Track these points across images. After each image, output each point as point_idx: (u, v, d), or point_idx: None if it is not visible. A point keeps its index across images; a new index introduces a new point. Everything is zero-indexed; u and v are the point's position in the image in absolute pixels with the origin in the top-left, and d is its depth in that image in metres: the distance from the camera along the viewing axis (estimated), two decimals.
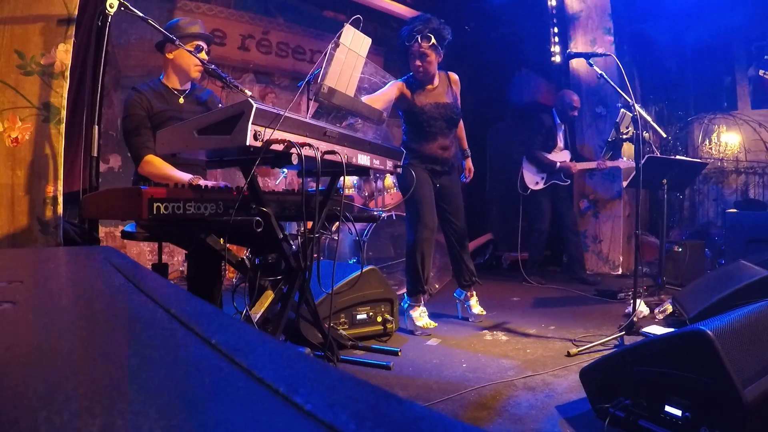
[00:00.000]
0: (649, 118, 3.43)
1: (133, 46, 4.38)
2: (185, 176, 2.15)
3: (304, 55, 5.45)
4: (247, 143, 1.48)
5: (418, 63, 2.86)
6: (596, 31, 5.18)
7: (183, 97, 2.40)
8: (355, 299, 2.61)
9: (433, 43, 2.82)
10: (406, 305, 2.98)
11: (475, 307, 3.15)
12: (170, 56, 2.36)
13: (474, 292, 3.19)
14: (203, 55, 2.36)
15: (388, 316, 2.74)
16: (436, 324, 2.92)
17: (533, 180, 4.54)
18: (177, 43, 2.17)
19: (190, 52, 2.21)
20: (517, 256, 4.79)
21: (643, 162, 2.82)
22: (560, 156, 4.49)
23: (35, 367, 0.42)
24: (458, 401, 1.87)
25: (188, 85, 2.45)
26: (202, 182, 2.05)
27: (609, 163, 4.43)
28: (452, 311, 3.27)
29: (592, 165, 4.51)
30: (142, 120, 2.24)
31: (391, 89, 2.91)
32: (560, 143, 4.53)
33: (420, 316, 2.90)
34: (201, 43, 2.37)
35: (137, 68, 4.35)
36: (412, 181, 2.81)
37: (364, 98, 2.84)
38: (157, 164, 2.19)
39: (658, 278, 3.65)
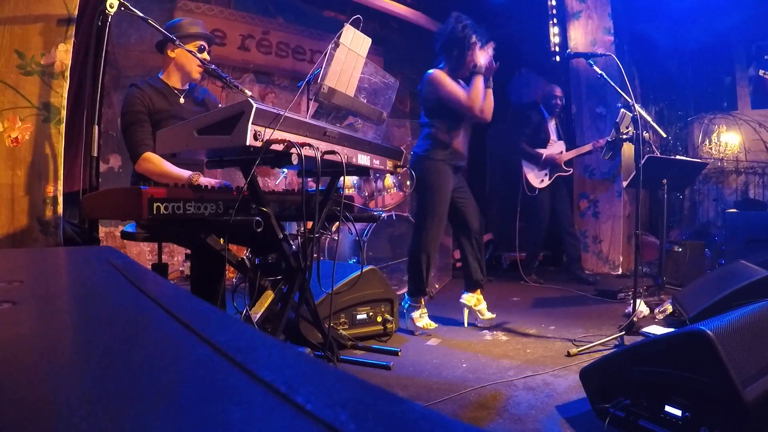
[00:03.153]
0: (649, 118, 3.43)
1: (133, 46, 4.38)
2: (184, 173, 2.11)
3: (304, 55, 5.45)
4: (247, 143, 1.48)
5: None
6: (596, 31, 5.18)
7: (183, 97, 2.39)
8: (355, 299, 2.61)
9: None
10: (407, 305, 2.97)
11: (486, 313, 3.01)
12: (172, 55, 2.34)
13: (482, 296, 3.07)
14: (205, 56, 2.35)
15: (388, 316, 2.74)
16: (436, 325, 2.92)
17: (537, 179, 4.51)
18: (177, 43, 2.16)
19: (191, 52, 2.20)
20: (516, 256, 4.80)
21: (643, 162, 2.81)
22: (555, 148, 4.50)
23: (35, 367, 0.42)
24: (458, 401, 1.87)
25: (187, 85, 2.44)
26: (202, 180, 2.04)
27: (602, 141, 4.33)
28: (452, 312, 3.26)
29: (584, 149, 4.51)
30: (141, 117, 2.21)
31: (451, 80, 2.90)
32: (553, 136, 4.55)
33: (420, 316, 2.90)
34: (203, 43, 2.37)
35: (137, 68, 4.35)
36: (436, 177, 2.83)
37: (463, 94, 2.85)
38: (154, 161, 2.16)
39: (658, 278, 3.65)
